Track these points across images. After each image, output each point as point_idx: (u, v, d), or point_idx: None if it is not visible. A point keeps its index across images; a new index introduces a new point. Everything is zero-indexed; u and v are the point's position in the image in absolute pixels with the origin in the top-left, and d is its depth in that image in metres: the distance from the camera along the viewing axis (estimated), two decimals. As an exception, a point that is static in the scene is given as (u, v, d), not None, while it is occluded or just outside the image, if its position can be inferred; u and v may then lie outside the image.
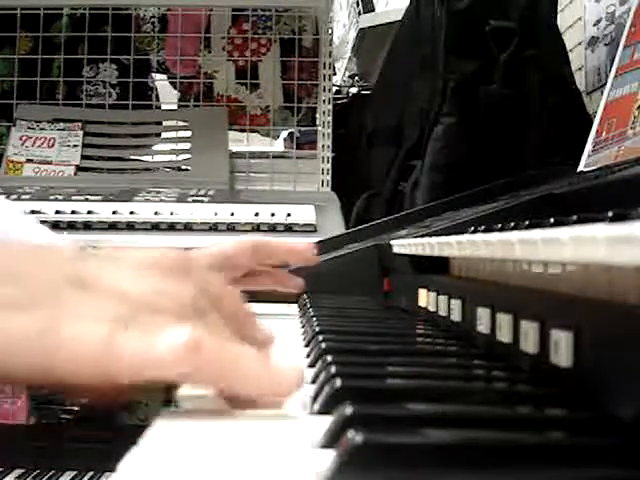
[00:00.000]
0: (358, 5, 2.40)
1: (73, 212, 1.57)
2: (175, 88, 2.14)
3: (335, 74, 2.26)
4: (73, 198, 1.67)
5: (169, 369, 0.37)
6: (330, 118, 1.97)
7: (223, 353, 0.38)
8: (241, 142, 2.14)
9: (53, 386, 0.38)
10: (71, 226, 1.54)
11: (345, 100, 2.20)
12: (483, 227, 0.62)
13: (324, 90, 2.00)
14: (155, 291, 0.41)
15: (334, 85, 2.14)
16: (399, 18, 1.68)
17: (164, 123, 2.10)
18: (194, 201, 1.69)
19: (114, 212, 1.58)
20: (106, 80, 2.09)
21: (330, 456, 0.29)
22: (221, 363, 0.38)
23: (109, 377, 0.37)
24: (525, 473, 0.28)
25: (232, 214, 1.59)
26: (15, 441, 1.92)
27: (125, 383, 0.37)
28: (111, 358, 0.36)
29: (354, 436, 0.28)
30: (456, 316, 0.61)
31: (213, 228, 1.56)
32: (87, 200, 1.66)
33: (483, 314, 0.53)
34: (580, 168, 0.94)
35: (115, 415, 2.02)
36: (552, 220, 0.45)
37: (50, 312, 0.37)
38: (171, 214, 1.58)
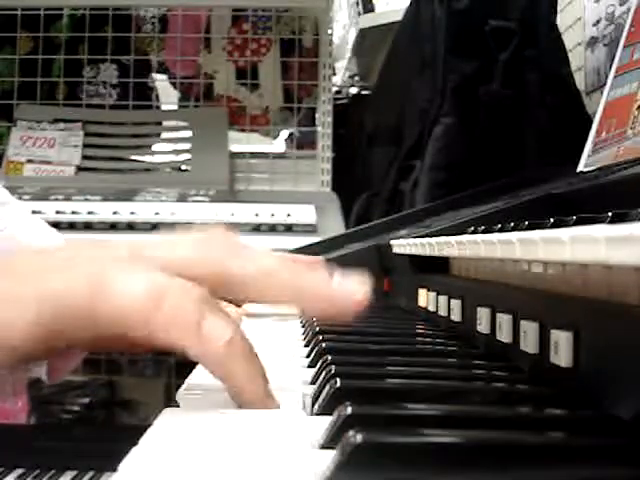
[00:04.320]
0: (358, 5, 2.40)
1: (73, 212, 1.57)
2: (175, 88, 2.14)
3: (335, 74, 2.26)
4: (73, 198, 1.67)
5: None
6: (330, 118, 1.97)
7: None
8: (241, 142, 2.14)
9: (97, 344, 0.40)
10: (71, 226, 1.54)
11: (345, 100, 2.20)
12: (483, 227, 0.62)
13: (324, 90, 2.00)
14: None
15: (334, 85, 2.14)
16: (399, 18, 1.68)
17: (164, 123, 2.10)
18: (194, 201, 1.69)
19: (114, 212, 1.58)
20: (106, 80, 2.09)
21: (330, 456, 0.29)
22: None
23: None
24: (525, 473, 0.28)
25: (232, 214, 1.59)
26: (15, 441, 1.92)
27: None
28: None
29: (354, 436, 0.28)
30: (456, 316, 0.61)
31: (213, 228, 1.56)
32: (87, 200, 1.66)
33: (483, 314, 0.53)
34: (580, 168, 0.94)
35: (115, 415, 2.02)
36: (552, 220, 0.46)
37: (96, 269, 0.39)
38: (171, 214, 1.58)
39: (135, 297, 0.37)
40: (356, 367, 0.46)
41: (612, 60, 0.97)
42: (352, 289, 0.43)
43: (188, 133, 1.97)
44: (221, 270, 0.43)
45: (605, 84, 0.96)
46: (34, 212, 1.54)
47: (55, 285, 0.38)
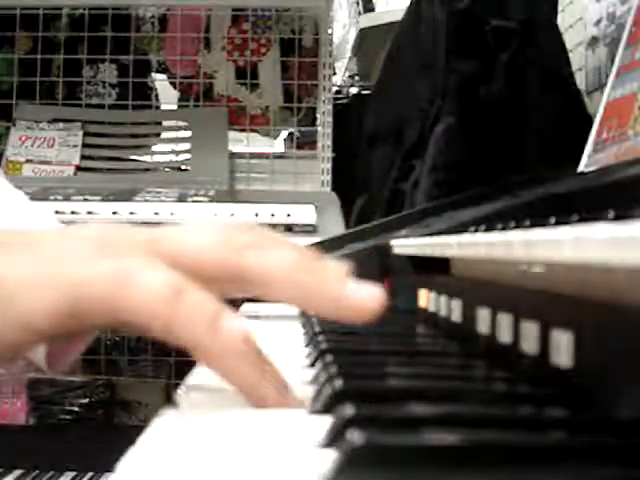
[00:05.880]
0: (358, 5, 2.40)
1: (73, 212, 1.57)
2: (175, 88, 2.14)
3: (335, 74, 2.26)
4: (73, 198, 1.67)
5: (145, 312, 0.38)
6: (330, 118, 1.97)
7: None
8: (241, 142, 2.14)
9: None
10: (71, 226, 1.54)
11: (345, 100, 2.20)
12: (483, 227, 0.62)
13: (324, 90, 2.00)
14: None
15: (334, 85, 2.14)
16: (399, 18, 1.68)
17: (164, 123, 2.10)
18: (194, 201, 1.69)
19: (114, 212, 1.58)
20: (106, 80, 2.09)
21: (331, 457, 0.29)
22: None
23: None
24: (526, 474, 0.28)
25: (232, 214, 1.58)
26: (15, 441, 1.92)
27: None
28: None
29: (354, 437, 0.28)
30: (456, 316, 0.61)
31: (213, 228, 1.55)
32: (87, 200, 1.66)
33: (483, 314, 0.53)
34: (580, 168, 0.94)
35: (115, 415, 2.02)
36: (553, 220, 0.45)
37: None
38: (171, 214, 1.58)
39: (156, 292, 0.38)
40: (356, 367, 0.46)
41: (613, 60, 0.97)
42: (367, 296, 0.42)
43: (188, 133, 1.98)
44: (238, 268, 0.42)
45: (606, 84, 0.96)
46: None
47: (78, 273, 0.38)
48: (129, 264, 0.39)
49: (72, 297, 0.38)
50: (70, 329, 0.39)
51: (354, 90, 2.24)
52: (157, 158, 2.02)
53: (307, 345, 0.62)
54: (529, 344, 0.43)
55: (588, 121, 1.04)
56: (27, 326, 0.38)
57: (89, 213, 1.57)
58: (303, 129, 2.16)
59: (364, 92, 2.18)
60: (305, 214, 1.60)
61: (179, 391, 0.44)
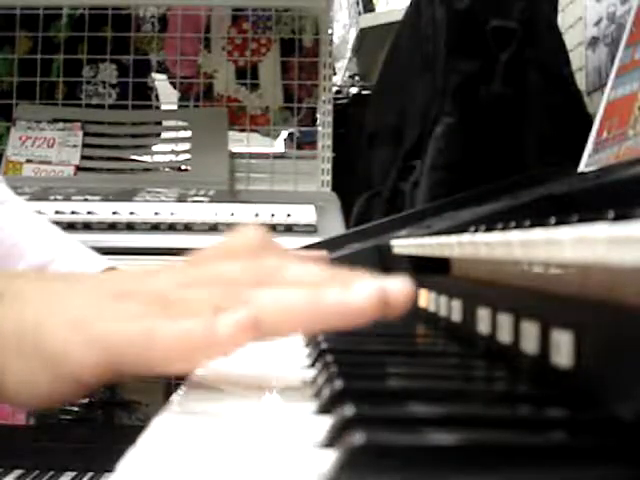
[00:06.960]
0: (358, 5, 2.40)
1: (73, 212, 1.57)
2: (175, 88, 2.14)
3: (335, 74, 2.26)
4: (73, 198, 1.67)
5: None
6: (330, 118, 1.97)
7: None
8: (241, 142, 2.14)
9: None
10: (71, 226, 1.54)
11: (345, 100, 2.20)
12: (483, 227, 0.62)
13: (324, 90, 2.00)
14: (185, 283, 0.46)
15: (334, 85, 2.13)
16: (399, 18, 1.68)
17: (164, 123, 2.10)
18: (194, 201, 1.68)
19: (114, 212, 1.58)
20: (106, 80, 2.09)
21: (331, 457, 0.29)
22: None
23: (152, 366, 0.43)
24: (526, 474, 0.28)
25: (232, 214, 1.58)
26: (15, 441, 1.92)
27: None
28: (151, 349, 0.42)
29: (355, 437, 0.28)
30: (456, 316, 0.61)
31: (213, 228, 1.55)
32: (87, 200, 1.65)
33: (483, 314, 0.52)
34: (580, 169, 0.94)
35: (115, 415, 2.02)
36: (553, 220, 0.45)
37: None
38: (171, 214, 1.58)
39: (178, 344, 0.42)
40: (356, 367, 0.46)
41: (613, 60, 0.97)
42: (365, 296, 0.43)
43: (188, 133, 1.97)
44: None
45: (606, 84, 0.96)
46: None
47: (117, 334, 0.43)
48: (152, 322, 0.43)
49: (114, 357, 0.43)
50: (107, 380, 0.45)
51: (354, 90, 2.24)
52: (157, 158, 2.02)
53: (307, 345, 0.62)
54: (529, 344, 0.43)
55: (588, 121, 1.04)
56: (78, 380, 0.44)
57: (89, 213, 1.57)
58: (303, 129, 2.16)
59: (364, 92, 2.17)
60: (305, 214, 1.60)
61: (179, 391, 0.44)
